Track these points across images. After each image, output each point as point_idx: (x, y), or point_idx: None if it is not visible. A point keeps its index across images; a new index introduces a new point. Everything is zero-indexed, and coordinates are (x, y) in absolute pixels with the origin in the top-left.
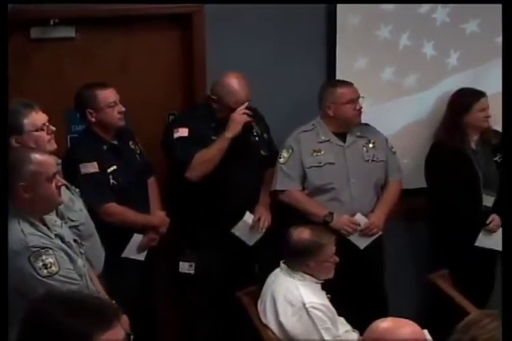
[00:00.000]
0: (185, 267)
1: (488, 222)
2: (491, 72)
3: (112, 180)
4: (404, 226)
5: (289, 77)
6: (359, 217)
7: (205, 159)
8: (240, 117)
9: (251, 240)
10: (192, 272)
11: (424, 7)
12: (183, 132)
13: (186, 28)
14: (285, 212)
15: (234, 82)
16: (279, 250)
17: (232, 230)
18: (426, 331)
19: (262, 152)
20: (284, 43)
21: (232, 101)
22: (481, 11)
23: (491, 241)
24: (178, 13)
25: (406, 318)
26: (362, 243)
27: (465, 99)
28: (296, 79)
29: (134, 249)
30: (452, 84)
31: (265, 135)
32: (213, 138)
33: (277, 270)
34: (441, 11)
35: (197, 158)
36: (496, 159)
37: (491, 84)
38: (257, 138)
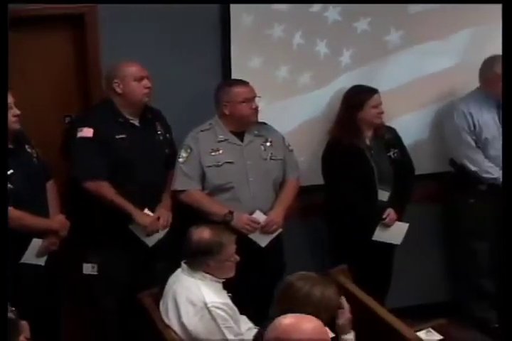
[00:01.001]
0: (88, 269)
1: (384, 216)
2: (382, 69)
3: (9, 185)
4: (302, 224)
5: (184, 77)
6: (258, 215)
7: (104, 197)
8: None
9: (151, 240)
10: (95, 273)
11: (316, 6)
12: (87, 132)
13: (79, 29)
14: (188, 211)
15: (125, 61)
16: (181, 250)
17: (130, 227)
18: (327, 328)
19: (167, 151)
20: (179, 43)
21: (132, 70)
22: (371, 9)
23: (388, 235)
24: (70, 14)
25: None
26: (263, 241)
27: (358, 96)
28: (192, 79)
29: (33, 254)
30: (346, 81)
31: (167, 135)
32: (117, 137)
33: (179, 270)
34: (332, 10)
35: (100, 187)
36: (389, 154)
37: (383, 81)
38: (161, 138)
